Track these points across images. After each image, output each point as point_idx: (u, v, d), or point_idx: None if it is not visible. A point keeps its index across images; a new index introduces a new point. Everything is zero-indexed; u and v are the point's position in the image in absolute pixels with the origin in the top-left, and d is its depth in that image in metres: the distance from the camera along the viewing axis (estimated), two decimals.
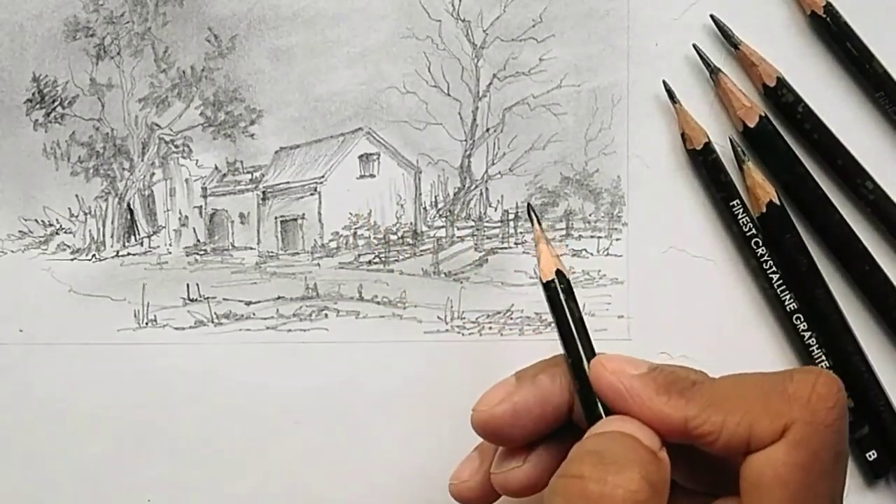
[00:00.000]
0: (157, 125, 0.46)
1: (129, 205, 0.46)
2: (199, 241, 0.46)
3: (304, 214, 0.46)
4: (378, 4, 0.46)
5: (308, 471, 0.44)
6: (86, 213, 0.46)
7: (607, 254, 0.45)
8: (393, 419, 0.44)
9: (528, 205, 0.40)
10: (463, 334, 0.45)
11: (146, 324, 0.45)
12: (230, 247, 0.46)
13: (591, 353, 0.34)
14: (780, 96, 0.44)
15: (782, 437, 0.31)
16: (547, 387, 0.35)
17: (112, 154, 0.46)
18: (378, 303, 0.45)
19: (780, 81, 0.44)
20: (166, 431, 0.44)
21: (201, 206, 0.46)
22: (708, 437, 0.32)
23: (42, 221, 0.46)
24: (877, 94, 0.44)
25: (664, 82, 0.45)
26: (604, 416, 0.33)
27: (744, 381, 0.33)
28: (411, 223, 0.46)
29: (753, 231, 0.44)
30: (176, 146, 0.46)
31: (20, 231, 0.46)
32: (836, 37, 0.45)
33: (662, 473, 0.31)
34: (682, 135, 0.45)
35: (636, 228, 0.45)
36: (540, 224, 0.36)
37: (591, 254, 0.45)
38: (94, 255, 0.46)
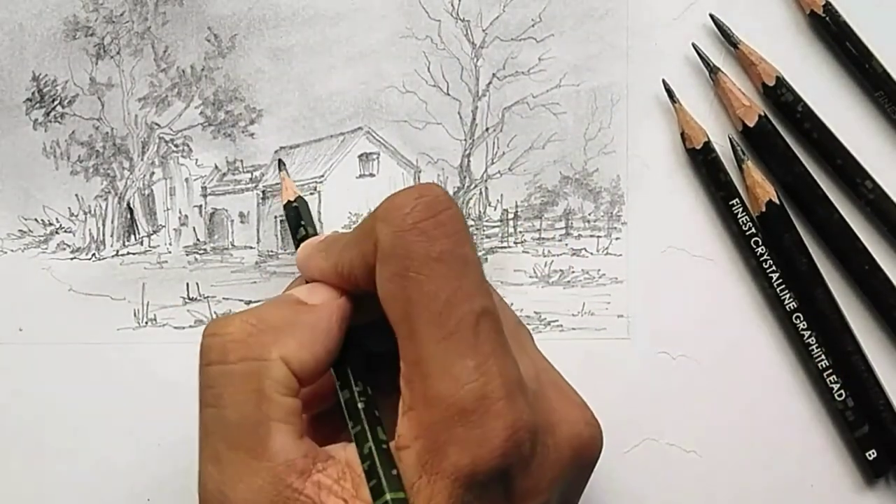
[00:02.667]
0: (156, 124, 0.46)
1: (128, 204, 0.46)
2: (198, 240, 0.46)
3: (307, 203, 0.46)
4: (378, 4, 0.46)
5: None
6: (86, 213, 0.46)
7: (607, 253, 0.45)
8: None
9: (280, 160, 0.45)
10: None
11: (146, 323, 0.45)
12: (230, 246, 0.46)
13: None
14: (779, 96, 0.44)
15: (375, 253, 0.32)
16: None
17: (112, 153, 0.46)
18: None
19: (780, 81, 0.44)
20: (166, 431, 0.44)
21: (201, 206, 0.46)
22: (350, 277, 0.33)
23: (42, 221, 0.46)
24: (876, 93, 0.44)
25: (664, 82, 0.45)
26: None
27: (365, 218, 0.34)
28: None
29: (753, 230, 0.44)
30: (176, 145, 0.46)
31: (20, 230, 0.46)
32: (835, 36, 0.45)
33: (300, 317, 0.33)
34: (682, 134, 0.45)
35: (636, 228, 0.45)
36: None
37: (591, 253, 0.45)
38: (93, 255, 0.46)
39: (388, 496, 0.30)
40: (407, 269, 0.31)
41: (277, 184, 0.46)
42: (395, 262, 0.31)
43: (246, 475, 0.31)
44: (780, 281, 0.43)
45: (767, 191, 0.43)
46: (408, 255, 0.31)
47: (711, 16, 0.45)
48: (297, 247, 0.39)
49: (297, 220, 0.41)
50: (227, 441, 0.31)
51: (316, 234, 0.40)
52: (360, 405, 0.33)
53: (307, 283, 0.36)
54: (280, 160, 0.45)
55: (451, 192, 0.46)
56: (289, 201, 0.42)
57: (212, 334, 0.33)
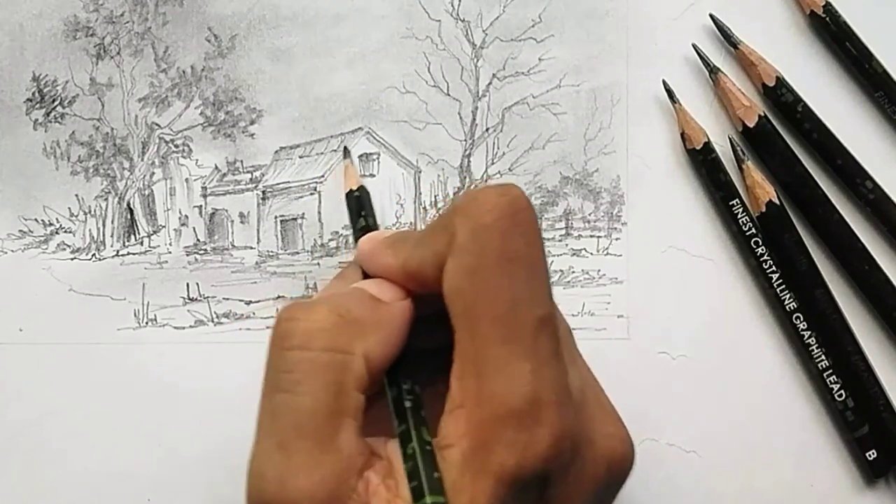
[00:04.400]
0: (157, 125, 0.46)
1: (129, 204, 0.46)
2: (198, 240, 0.46)
3: (303, 214, 0.46)
4: (378, 4, 0.46)
5: None
6: (86, 213, 0.46)
7: (607, 253, 0.45)
8: None
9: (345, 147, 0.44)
10: None
11: (146, 323, 0.45)
12: (230, 246, 0.46)
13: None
14: (779, 96, 0.44)
15: (450, 248, 0.31)
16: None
17: (112, 154, 0.46)
18: None
19: (780, 81, 0.44)
20: (166, 431, 0.44)
21: (201, 206, 0.46)
22: (418, 275, 0.33)
23: (42, 221, 0.46)
24: (876, 93, 0.45)
25: (664, 82, 0.45)
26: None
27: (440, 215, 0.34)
28: (411, 223, 0.46)
29: (753, 231, 0.44)
30: (176, 146, 0.46)
31: (20, 230, 0.46)
32: (835, 36, 0.45)
33: (379, 314, 0.33)
34: (682, 134, 0.45)
35: (636, 228, 0.45)
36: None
37: (591, 253, 0.45)
38: (94, 255, 0.46)
39: (427, 499, 0.30)
40: (480, 265, 0.31)
41: (278, 184, 0.46)
42: (469, 257, 0.31)
43: (310, 466, 0.30)
44: (780, 281, 0.43)
45: (767, 191, 0.43)
46: (483, 251, 0.31)
47: (711, 16, 0.45)
48: (356, 237, 0.39)
49: (359, 209, 0.40)
50: (298, 429, 0.31)
51: (377, 226, 0.40)
52: (406, 404, 0.33)
53: (364, 277, 0.36)
54: (346, 147, 0.44)
55: (450, 193, 0.46)
56: (351, 190, 0.41)
57: (293, 318, 0.32)
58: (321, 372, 0.31)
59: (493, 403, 0.30)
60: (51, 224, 0.46)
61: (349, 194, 0.41)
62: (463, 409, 0.31)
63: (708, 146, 0.44)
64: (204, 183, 0.46)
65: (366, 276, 0.36)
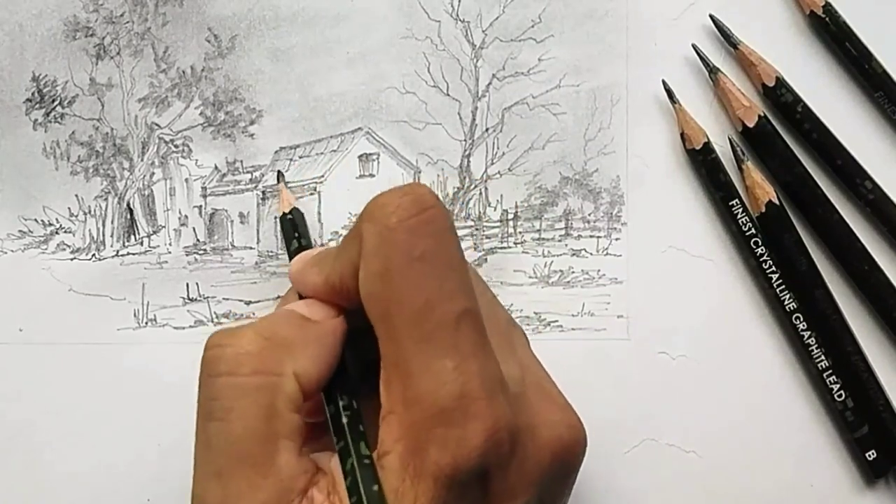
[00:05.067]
0: (156, 125, 0.46)
1: (128, 204, 0.46)
2: (198, 240, 0.46)
3: (303, 214, 0.46)
4: (378, 5, 0.46)
5: None
6: (86, 213, 0.46)
7: (606, 253, 0.45)
8: None
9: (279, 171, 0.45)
10: None
11: (146, 323, 0.45)
12: (230, 246, 0.46)
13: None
14: (779, 96, 0.44)
15: (360, 254, 0.31)
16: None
17: (112, 154, 0.46)
18: None
19: (780, 81, 0.44)
20: (166, 431, 0.44)
21: (201, 206, 0.46)
22: (341, 288, 0.33)
23: (42, 221, 0.46)
24: (876, 93, 0.45)
25: (663, 82, 0.45)
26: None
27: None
28: None
29: (753, 231, 0.44)
30: (176, 146, 0.46)
31: (20, 230, 0.46)
32: (835, 36, 0.45)
33: (308, 333, 0.33)
34: (682, 134, 0.45)
35: (635, 228, 0.45)
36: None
37: (591, 253, 0.45)
38: (93, 255, 0.46)
39: None
40: (389, 268, 0.31)
41: (278, 184, 0.46)
42: (378, 261, 0.31)
43: (250, 492, 0.30)
44: (780, 281, 0.43)
45: (767, 191, 0.43)
46: (390, 253, 0.31)
47: (711, 16, 0.45)
48: (290, 258, 0.39)
49: (293, 231, 0.41)
50: (232, 456, 0.31)
51: (311, 246, 0.40)
52: (343, 419, 0.33)
53: (300, 297, 0.36)
54: (279, 171, 0.45)
55: (450, 193, 0.46)
56: (284, 213, 0.42)
57: (219, 345, 0.32)
58: (251, 396, 0.31)
59: (420, 404, 0.30)
60: (51, 224, 0.46)
61: (283, 217, 0.42)
62: (394, 414, 0.31)
63: (708, 146, 0.44)
64: (204, 183, 0.46)
65: (302, 297, 0.36)
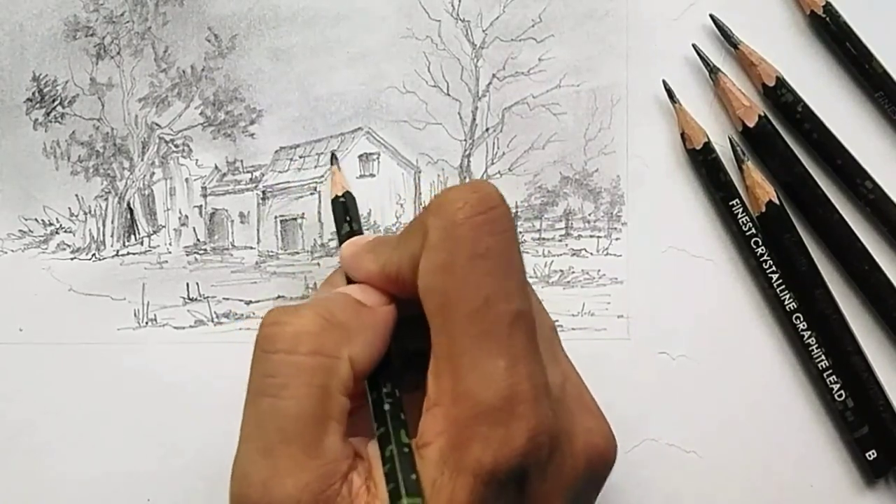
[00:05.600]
0: (157, 125, 0.46)
1: (129, 204, 0.46)
2: (198, 240, 0.46)
3: (303, 214, 0.46)
4: (378, 4, 0.46)
5: None
6: (86, 213, 0.46)
7: (607, 253, 0.45)
8: None
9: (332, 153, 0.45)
10: None
11: (146, 323, 0.45)
12: (230, 246, 0.46)
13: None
14: (779, 96, 0.44)
15: (423, 246, 0.31)
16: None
17: (112, 153, 0.46)
18: None
19: (780, 81, 0.44)
20: (166, 431, 0.44)
21: (201, 206, 0.46)
22: (398, 278, 0.33)
23: (42, 221, 0.46)
24: (876, 93, 0.45)
25: (664, 82, 0.45)
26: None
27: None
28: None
29: (753, 231, 0.44)
30: (176, 146, 0.46)
31: (20, 230, 0.46)
32: (835, 36, 0.45)
33: (363, 319, 0.33)
34: (682, 134, 0.45)
35: (636, 228, 0.45)
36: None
37: (591, 253, 0.45)
38: (94, 255, 0.46)
39: (404, 501, 0.30)
40: (452, 262, 0.31)
41: (278, 184, 0.46)
42: (441, 255, 0.31)
43: (296, 471, 0.30)
44: (780, 281, 0.43)
45: (767, 191, 0.43)
46: (455, 248, 0.31)
47: (711, 16, 0.45)
48: (340, 242, 0.39)
49: (344, 215, 0.41)
50: (283, 434, 0.31)
51: (361, 231, 0.40)
52: (385, 406, 0.33)
53: (349, 281, 0.36)
54: (333, 153, 0.45)
55: None
56: (337, 196, 0.42)
57: (279, 322, 0.32)
58: (307, 376, 0.31)
59: (468, 400, 0.30)
60: (51, 224, 0.46)
61: (335, 200, 0.41)
62: (440, 406, 0.31)
63: (708, 146, 0.44)
64: (204, 183, 0.46)
65: (350, 281, 0.36)
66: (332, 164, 0.44)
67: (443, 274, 0.31)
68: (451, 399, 0.30)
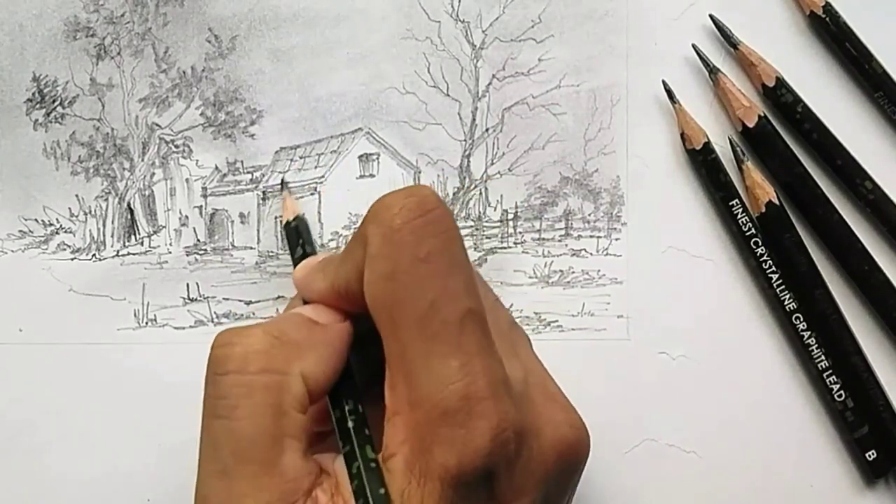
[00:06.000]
0: (157, 125, 0.46)
1: (129, 204, 0.46)
2: (199, 240, 0.46)
3: (303, 214, 0.46)
4: (378, 5, 0.46)
5: None
6: (86, 213, 0.46)
7: (606, 253, 0.45)
8: None
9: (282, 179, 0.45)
10: None
11: (146, 323, 0.45)
12: (230, 246, 0.46)
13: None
14: (779, 96, 0.44)
15: (365, 256, 0.31)
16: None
17: (112, 154, 0.46)
18: None
19: (780, 81, 0.44)
20: (166, 431, 0.44)
21: (201, 206, 0.46)
22: (347, 293, 0.33)
23: (42, 221, 0.46)
24: (876, 94, 0.45)
25: (663, 82, 0.45)
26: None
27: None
28: None
29: (753, 231, 0.44)
30: (176, 146, 0.46)
31: (20, 231, 0.46)
32: (835, 37, 0.45)
33: (315, 335, 0.33)
34: (682, 135, 0.45)
35: (635, 228, 0.45)
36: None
37: (591, 253, 0.45)
38: (94, 255, 0.46)
39: None
40: (394, 269, 0.31)
41: (278, 184, 0.46)
42: (383, 263, 0.31)
43: (254, 491, 0.30)
44: (780, 281, 0.43)
45: (767, 191, 0.43)
46: (396, 255, 0.31)
47: (711, 16, 0.45)
48: (295, 265, 0.39)
49: (297, 239, 0.41)
50: (238, 455, 0.31)
51: (315, 253, 0.40)
52: (349, 423, 0.33)
53: (305, 303, 0.36)
54: (283, 180, 0.45)
55: (450, 193, 0.46)
56: (288, 221, 0.42)
57: (228, 343, 0.32)
58: (258, 395, 0.31)
59: (425, 405, 0.30)
60: (51, 224, 0.46)
61: (287, 225, 0.42)
62: (399, 415, 0.31)
63: (708, 146, 0.44)
64: (204, 183, 0.46)
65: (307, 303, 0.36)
66: (282, 189, 0.45)
67: (386, 282, 0.31)
68: (408, 406, 0.30)
